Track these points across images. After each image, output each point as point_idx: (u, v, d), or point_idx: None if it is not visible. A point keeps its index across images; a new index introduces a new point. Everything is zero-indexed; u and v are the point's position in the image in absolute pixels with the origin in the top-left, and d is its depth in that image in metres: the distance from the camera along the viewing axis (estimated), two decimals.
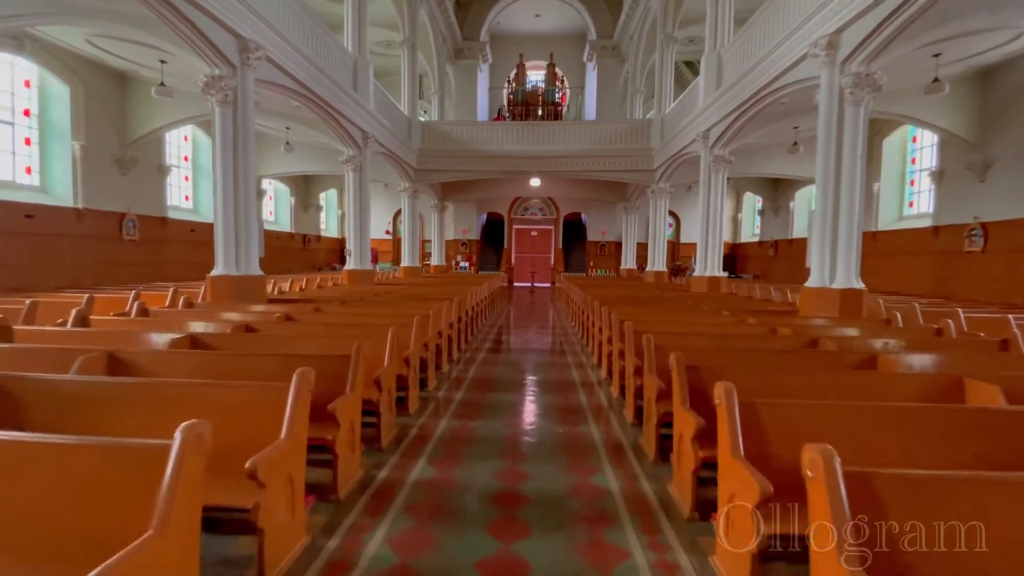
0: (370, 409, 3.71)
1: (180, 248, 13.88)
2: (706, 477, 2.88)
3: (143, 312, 5.83)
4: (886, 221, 14.32)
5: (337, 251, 24.36)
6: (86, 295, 7.08)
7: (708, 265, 10.98)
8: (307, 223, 21.42)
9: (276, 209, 19.78)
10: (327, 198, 23.29)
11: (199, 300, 7.50)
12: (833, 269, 6.42)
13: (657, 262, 15.34)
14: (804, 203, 19.13)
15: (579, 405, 4.96)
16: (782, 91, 8.38)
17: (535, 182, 19.00)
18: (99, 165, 11.60)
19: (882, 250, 14.07)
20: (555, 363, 7.01)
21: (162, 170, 13.29)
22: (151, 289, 9.29)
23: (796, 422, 2.43)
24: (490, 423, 4.37)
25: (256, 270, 7.05)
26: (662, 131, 15.08)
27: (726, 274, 11.58)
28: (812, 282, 6.61)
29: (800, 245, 18.73)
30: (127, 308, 6.61)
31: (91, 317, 5.37)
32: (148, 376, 3.38)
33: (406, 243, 16.16)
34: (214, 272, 6.85)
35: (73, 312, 5.18)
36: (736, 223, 23.83)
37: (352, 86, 10.97)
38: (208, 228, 15.01)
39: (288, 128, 13.81)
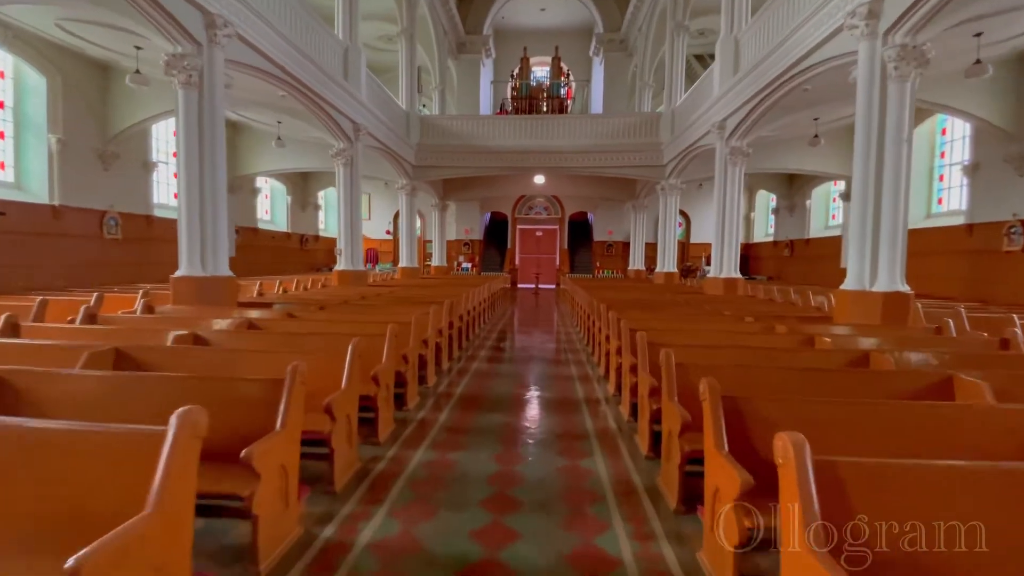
0: (320, 438, 3.00)
1: (168, 248, 13.11)
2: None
3: (89, 319, 5.16)
4: (913, 219, 13.33)
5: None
6: (39, 298, 6.45)
7: (724, 266, 10.19)
8: (305, 223, 20.83)
9: (272, 208, 19.18)
10: (326, 197, 22.69)
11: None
12: (874, 270, 5.63)
13: (667, 263, 14.55)
14: (822, 201, 18.26)
15: (583, 429, 4.21)
16: (809, 72, 7.60)
17: (539, 179, 18.27)
18: (78, 160, 11.01)
19: (908, 250, 13.20)
20: (557, 375, 6.26)
21: (148, 166, 12.69)
22: (127, 291, 8.65)
23: (894, 488, 1.68)
24: (475, 455, 3.63)
25: (225, 271, 6.36)
26: (673, 124, 14.30)
27: (741, 276, 10.79)
28: (849, 284, 5.83)
29: (817, 245, 17.87)
30: (82, 313, 6.01)
31: (25, 324, 4.70)
32: (32, 409, 2.68)
33: (404, 243, 15.48)
34: (178, 273, 6.18)
35: (2, 318, 4.51)
36: (749, 222, 22.96)
37: (342, 74, 10.29)
38: None
39: (280, 122, 13.18)
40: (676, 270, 14.82)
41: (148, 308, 5.96)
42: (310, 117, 10.17)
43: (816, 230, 18.14)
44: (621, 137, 15.07)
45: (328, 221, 23.22)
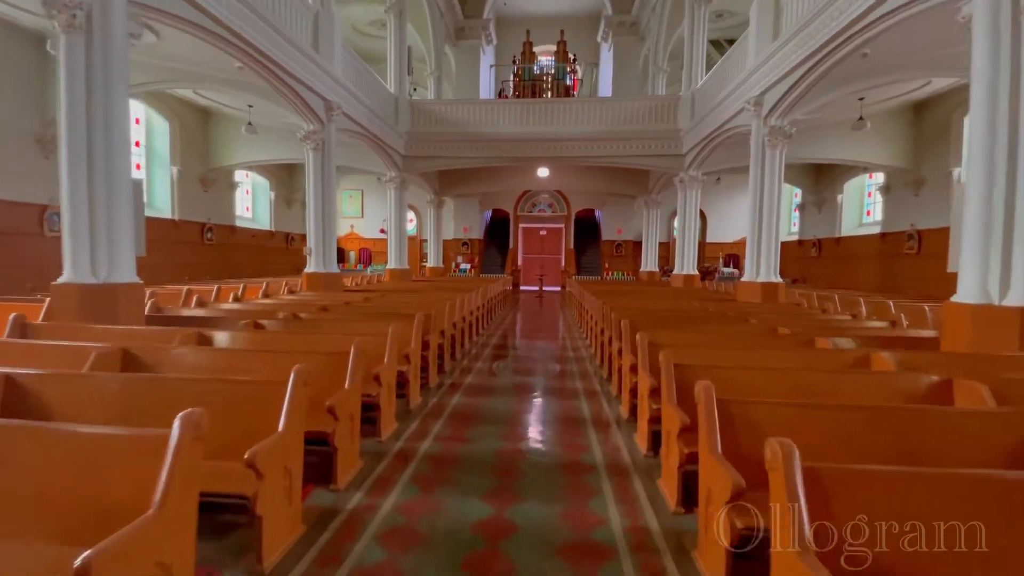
0: None
1: None
2: None
3: None
4: None
5: None
6: None
7: (762, 268, 8.61)
8: (291, 221, 19.31)
9: (254, 205, 17.71)
10: None
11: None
12: (1006, 276, 4.04)
13: (687, 264, 12.97)
14: (855, 196, 16.56)
15: (607, 536, 2.65)
16: (878, 26, 6.02)
17: (543, 172, 16.71)
18: (12, 146, 9.60)
19: None
20: (564, 416, 4.72)
21: None
22: (38, 300, 7.18)
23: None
24: None
25: (127, 276, 4.85)
26: (693, 108, 12.71)
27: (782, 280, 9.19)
28: (966, 296, 4.24)
29: (850, 245, 16.21)
30: None
31: None
32: None
33: (392, 242, 13.97)
34: (59, 279, 4.68)
35: None
36: None
37: (311, 44, 8.79)
38: (166, 225, 13.10)
39: (251, 106, 11.72)
40: (696, 272, 13.23)
41: (19, 329, 4.48)
42: (286, 100, 8.68)
43: (848, 228, 16.48)
44: (635, 123, 13.49)
45: None
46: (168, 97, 12.84)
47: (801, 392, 2.91)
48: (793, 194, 20.36)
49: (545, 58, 21.15)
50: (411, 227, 22.54)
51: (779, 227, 8.69)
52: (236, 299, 7.54)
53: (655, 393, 3.58)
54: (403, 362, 4.49)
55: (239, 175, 16.45)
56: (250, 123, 11.90)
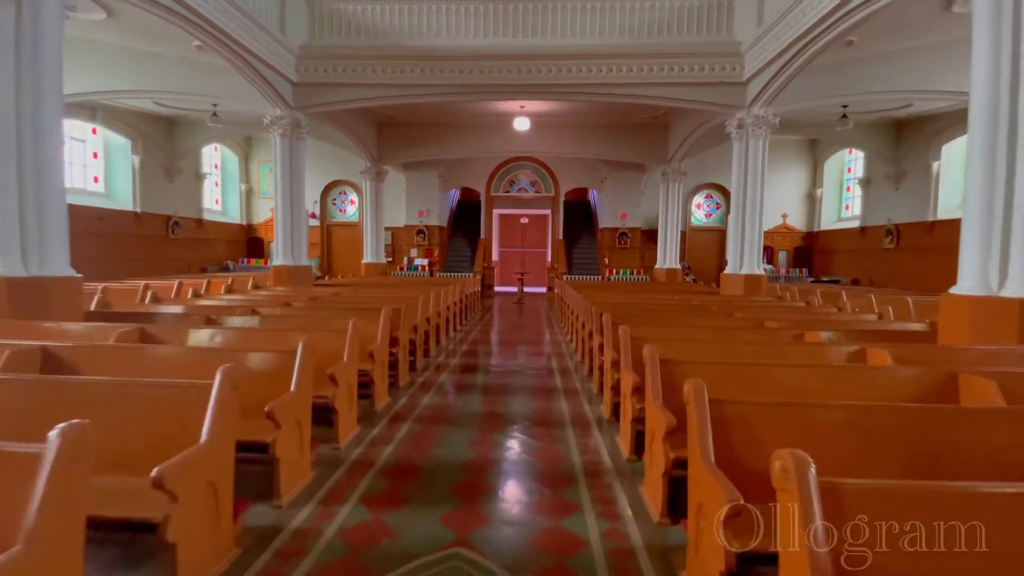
0: None
1: None
2: None
3: None
4: None
5: (242, 242, 17.09)
6: None
7: (1015, 267, 3.82)
8: (177, 198, 14.06)
9: (108, 174, 12.42)
10: (223, 161, 16.06)
11: None
12: None
13: (750, 259, 8.19)
14: (960, 163, 11.91)
15: None
16: None
17: (522, 125, 11.74)
18: None
19: None
20: None
21: None
22: None
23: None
24: None
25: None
26: (761, 7, 7.89)
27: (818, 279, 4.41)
28: None
29: (948, 231, 11.61)
30: None
31: None
32: None
33: (279, 222, 8.90)
34: None
35: None
36: (814, 202, 16.73)
37: None
38: None
39: None
40: (762, 271, 8.43)
41: None
42: None
43: (948, 209, 11.84)
44: (664, 33, 8.58)
45: (227, 198, 16.52)
46: None
47: None
48: (848, 167, 15.82)
49: None
50: (352, 210, 17.48)
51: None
52: None
53: None
54: None
55: (77, 127, 11.24)
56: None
